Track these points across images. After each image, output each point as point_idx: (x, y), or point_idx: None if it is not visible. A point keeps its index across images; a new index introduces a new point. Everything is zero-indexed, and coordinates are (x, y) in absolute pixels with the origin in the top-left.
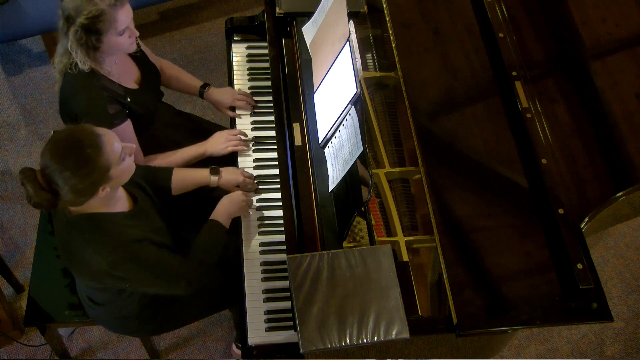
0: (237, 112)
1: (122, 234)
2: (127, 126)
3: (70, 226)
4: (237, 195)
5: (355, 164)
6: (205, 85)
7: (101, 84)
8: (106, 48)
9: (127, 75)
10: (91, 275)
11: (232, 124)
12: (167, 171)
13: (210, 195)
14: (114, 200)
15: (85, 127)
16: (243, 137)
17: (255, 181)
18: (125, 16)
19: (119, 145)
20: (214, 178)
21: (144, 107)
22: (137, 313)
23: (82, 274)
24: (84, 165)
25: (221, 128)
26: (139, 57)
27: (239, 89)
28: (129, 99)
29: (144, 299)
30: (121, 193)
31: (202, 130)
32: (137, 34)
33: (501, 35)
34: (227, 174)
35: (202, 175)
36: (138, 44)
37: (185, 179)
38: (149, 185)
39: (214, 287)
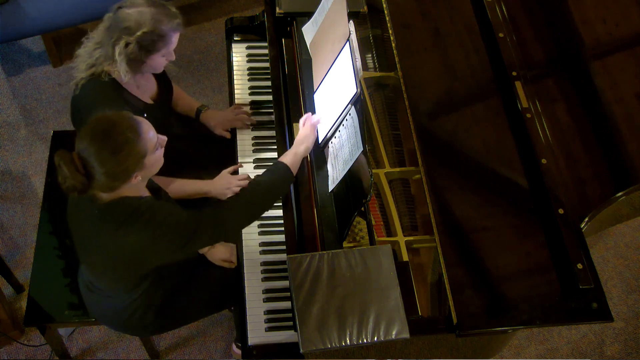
0: (239, 133)
1: (154, 206)
2: None
3: (106, 212)
4: (306, 130)
5: (355, 164)
6: (201, 107)
7: (124, 98)
8: (148, 65)
9: (146, 90)
10: (118, 263)
11: (233, 130)
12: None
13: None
14: (142, 192)
15: (124, 114)
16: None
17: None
18: (176, 41)
19: (154, 134)
20: None
21: (158, 123)
22: (140, 310)
23: (106, 267)
24: (121, 149)
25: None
26: (160, 74)
27: (237, 105)
28: (145, 115)
29: (148, 294)
30: (145, 189)
31: (205, 133)
32: (174, 58)
33: (501, 35)
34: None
35: None
36: None
37: None
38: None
39: (214, 287)
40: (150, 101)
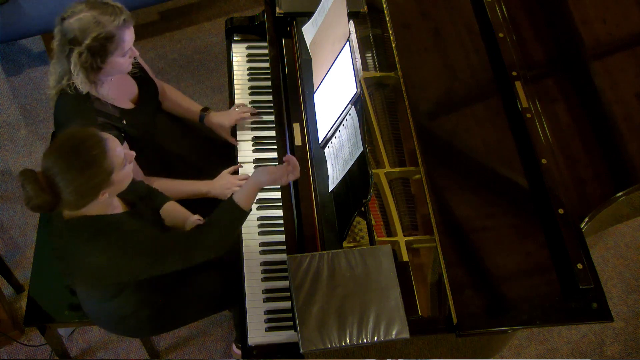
0: (239, 133)
1: (119, 228)
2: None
3: (67, 229)
4: (266, 170)
5: (355, 164)
6: (205, 109)
7: (95, 108)
8: (108, 69)
9: (123, 95)
10: (91, 276)
11: (233, 129)
12: (163, 198)
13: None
14: (111, 207)
15: (89, 130)
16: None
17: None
18: (130, 37)
19: (122, 150)
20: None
21: (141, 127)
22: (134, 312)
23: (81, 278)
24: (89, 166)
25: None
26: (137, 74)
27: (239, 104)
28: (124, 122)
29: (140, 297)
30: (117, 202)
31: (204, 137)
32: (137, 54)
33: (501, 35)
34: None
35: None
36: (137, 63)
37: (172, 213)
38: (144, 200)
39: (214, 287)
40: (130, 105)
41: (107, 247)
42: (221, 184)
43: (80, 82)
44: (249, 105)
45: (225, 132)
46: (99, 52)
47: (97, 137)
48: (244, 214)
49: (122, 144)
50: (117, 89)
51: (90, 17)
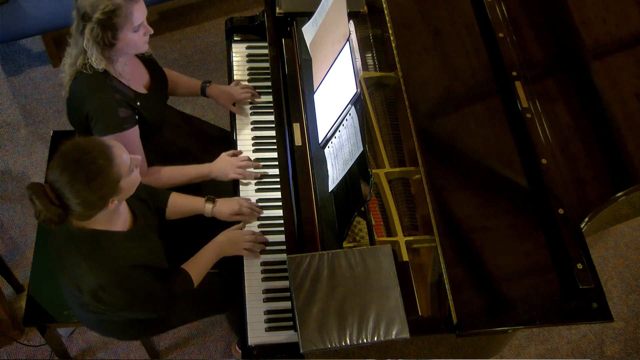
0: (239, 105)
1: (119, 258)
2: (135, 132)
3: (69, 238)
4: (235, 234)
5: (355, 164)
6: (206, 82)
7: (113, 86)
8: (122, 45)
9: (137, 79)
10: (78, 290)
11: (232, 121)
12: (165, 193)
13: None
14: (117, 215)
15: (94, 139)
16: (250, 168)
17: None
18: (140, 12)
19: (128, 156)
20: (208, 206)
21: (153, 113)
22: (127, 321)
23: (71, 286)
24: (95, 177)
25: (223, 132)
26: (148, 61)
27: (237, 82)
28: (138, 104)
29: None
30: (124, 208)
31: (205, 133)
32: (152, 31)
33: (501, 35)
34: (223, 203)
35: (197, 202)
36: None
37: (180, 204)
38: (150, 200)
39: (214, 287)
40: (143, 90)
41: (100, 275)
42: (221, 166)
43: (95, 58)
44: (249, 106)
45: (226, 102)
46: (109, 25)
47: (102, 146)
48: (191, 284)
49: (134, 125)
50: (131, 73)
51: None
